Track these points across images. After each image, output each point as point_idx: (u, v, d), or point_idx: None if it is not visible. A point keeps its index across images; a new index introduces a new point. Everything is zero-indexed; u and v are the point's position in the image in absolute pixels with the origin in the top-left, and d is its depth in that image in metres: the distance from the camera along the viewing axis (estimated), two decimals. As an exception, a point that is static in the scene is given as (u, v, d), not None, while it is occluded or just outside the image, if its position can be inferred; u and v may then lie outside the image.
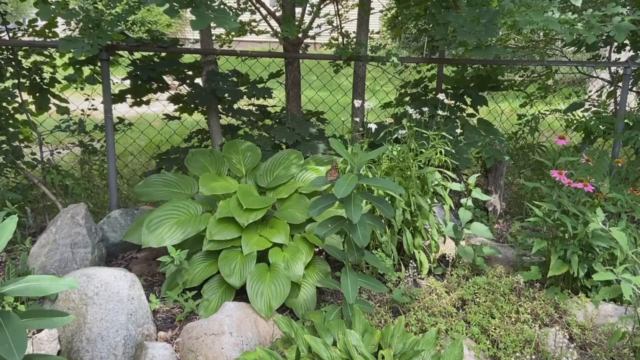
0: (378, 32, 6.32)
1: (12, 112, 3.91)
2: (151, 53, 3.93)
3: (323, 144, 4.03)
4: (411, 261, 3.11)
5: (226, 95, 3.89)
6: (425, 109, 3.55)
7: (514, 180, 4.99)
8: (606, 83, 5.47)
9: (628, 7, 4.15)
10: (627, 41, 4.63)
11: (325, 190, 3.24)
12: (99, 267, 2.63)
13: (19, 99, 3.87)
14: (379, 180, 2.53)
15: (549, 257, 2.96)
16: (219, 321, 2.43)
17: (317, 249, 3.11)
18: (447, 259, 3.30)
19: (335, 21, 4.85)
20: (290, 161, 3.37)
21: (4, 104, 3.87)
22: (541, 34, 5.85)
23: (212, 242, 2.83)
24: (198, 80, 4.14)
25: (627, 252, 2.80)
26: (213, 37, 4.19)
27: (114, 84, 3.88)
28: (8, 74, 3.82)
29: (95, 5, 3.94)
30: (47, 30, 3.89)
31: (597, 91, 5.63)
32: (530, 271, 3.03)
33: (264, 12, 4.42)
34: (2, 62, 3.80)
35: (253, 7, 4.51)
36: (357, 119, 4.17)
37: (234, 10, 4.39)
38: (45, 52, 4.01)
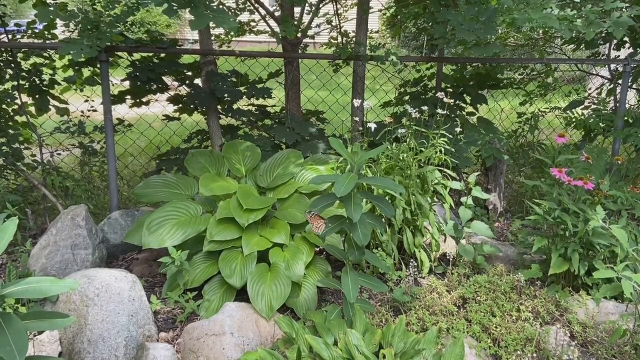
0: (377, 32, 6.32)
1: (11, 114, 3.92)
2: (150, 54, 3.93)
3: (323, 143, 4.03)
4: (412, 260, 3.11)
5: (225, 95, 3.89)
6: (425, 107, 3.55)
7: (514, 178, 4.98)
8: (606, 80, 5.46)
9: (627, 4, 4.15)
10: (626, 38, 4.63)
11: (325, 189, 3.25)
12: (100, 269, 2.63)
13: (18, 101, 3.87)
14: (378, 179, 2.53)
15: (550, 255, 2.96)
16: (220, 322, 2.44)
17: (318, 249, 3.11)
18: (447, 257, 3.30)
19: (334, 21, 4.85)
20: (290, 161, 3.37)
21: (4, 106, 3.87)
22: (540, 31, 5.85)
23: (212, 242, 2.83)
24: (197, 81, 4.14)
25: (627, 249, 2.80)
26: (212, 38, 4.19)
27: (113, 85, 3.88)
28: (7, 76, 3.82)
29: (94, 6, 3.94)
30: (46, 32, 3.89)
31: (596, 89, 5.63)
32: (531, 269, 3.03)
33: (263, 12, 4.41)
34: (2, 64, 3.80)
35: (252, 7, 4.50)
36: (357, 119, 4.17)
37: (232, 10, 4.40)
38: (45, 54, 4.01)
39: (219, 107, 4.02)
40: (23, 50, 3.89)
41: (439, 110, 3.44)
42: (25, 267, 2.94)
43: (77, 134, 4.20)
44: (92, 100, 4.30)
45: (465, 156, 3.99)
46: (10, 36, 3.91)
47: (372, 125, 3.19)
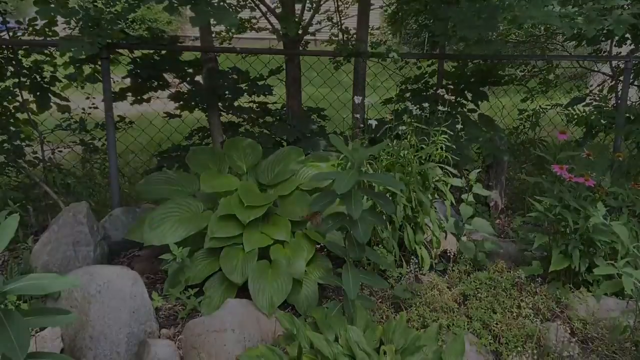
0: (378, 28, 6.30)
1: (13, 111, 3.92)
2: (151, 51, 3.93)
3: (324, 140, 4.02)
4: (412, 257, 3.11)
5: (226, 92, 3.89)
6: (426, 104, 3.54)
7: (515, 175, 4.98)
8: (607, 77, 5.45)
9: (628, 1, 4.14)
10: (628, 35, 4.62)
11: (326, 186, 3.25)
12: (102, 265, 2.64)
13: (19, 98, 3.87)
14: (379, 176, 2.54)
15: (551, 252, 2.96)
16: (221, 318, 2.44)
17: (319, 246, 3.11)
18: (448, 254, 3.30)
19: (335, 18, 4.85)
20: (291, 158, 3.37)
21: (5, 103, 3.87)
22: (542, 28, 5.83)
23: (213, 239, 2.84)
24: (198, 78, 4.14)
25: (628, 246, 2.80)
26: (213, 35, 4.19)
27: (114, 82, 3.87)
28: (8, 73, 3.82)
29: (95, 3, 3.94)
30: (47, 29, 3.88)
31: (598, 85, 5.62)
32: (531, 266, 3.03)
33: (264, 8, 4.41)
34: (3, 61, 3.80)
35: (253, 4, 4.50)
36: (358, 116, 4.17)
37: (233, 7, 4.38)
38: (46, 51, 4.00)
39: (220, 104, 4.02)
40: (24, 47, 3.89)
41: (440, 107, 3.44)
42: (27, 263, 2.95)
43: (78, 131, 4.20)
44: (93, 98, 4.30)
45: (466, 153, 3.99)
46: (11, 33, 3.91)
47: (373, 122, 3.19)
